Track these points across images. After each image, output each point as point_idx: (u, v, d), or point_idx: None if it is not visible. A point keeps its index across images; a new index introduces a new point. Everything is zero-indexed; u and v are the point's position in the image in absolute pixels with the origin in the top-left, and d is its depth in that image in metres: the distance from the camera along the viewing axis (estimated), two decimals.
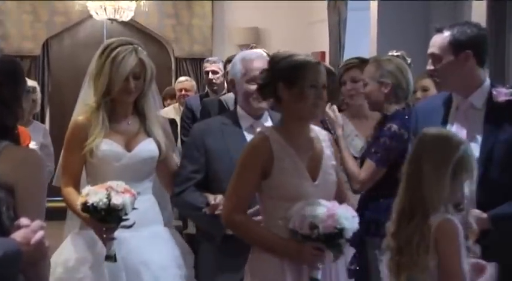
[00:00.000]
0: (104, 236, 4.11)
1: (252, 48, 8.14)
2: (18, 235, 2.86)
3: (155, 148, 4.49)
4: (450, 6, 10.04)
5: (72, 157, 4.46)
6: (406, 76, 5.25)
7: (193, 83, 10.74)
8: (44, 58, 14.02)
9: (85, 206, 4.06)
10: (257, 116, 4.54)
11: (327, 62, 10.91)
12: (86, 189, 4.15)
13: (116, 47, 4.46)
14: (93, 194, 4.05)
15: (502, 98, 4.32)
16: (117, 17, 13.42)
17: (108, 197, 4.00)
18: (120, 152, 4.42)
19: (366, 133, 5.62)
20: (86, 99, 4.55)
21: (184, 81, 10.56)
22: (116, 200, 4.00)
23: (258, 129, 4.27)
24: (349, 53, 9.87)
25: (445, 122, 4.35)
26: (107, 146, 4.38)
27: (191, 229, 7.43)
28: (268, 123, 4.50)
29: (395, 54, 5.84)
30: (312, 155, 4.06)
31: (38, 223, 2.93)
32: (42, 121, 12.21)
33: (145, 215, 4.36)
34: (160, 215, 4.61)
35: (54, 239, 4.63)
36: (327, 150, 4.13)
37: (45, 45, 14.10)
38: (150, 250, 4.37)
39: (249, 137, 4.36)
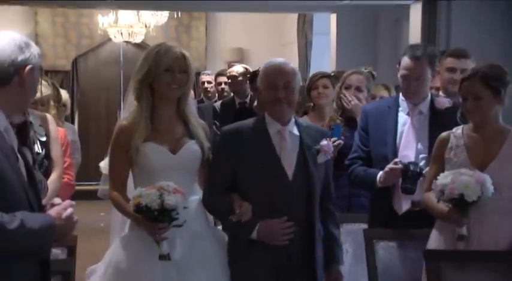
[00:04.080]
0: (157, 235, 3.47)
1: (238, 63, 8.18)
2: (52, 211, 2.89)
3: (199, 149, 3.76)
4: (392, 29, 10.08)
5: (118, 160, 3.74)
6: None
7: (192, 91, 10.37)
8: (74, 73, 13.96)
9: (138, 208, 3.42)
10: (284, 122, 3.75)
11: None
12: (138, 191, 3.51)
13: (158, 46, 3.77)
14: (146, 195, 3.42)
15: (443, 106, 4.35)
16: (131, 39, 13.52)
17: (161, 198, 3.39)
18: (164, 155, 3.70)
19: None
20: (130, 103, 3.90)
21: None
22: (169, 200, 3.40)
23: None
24: (314, 69, 9.84)
25: (396, 124, 4.39)
26: (151, 149, 3.67)
27: None
28: (295, 129, 3.78)
29: (366, 70, 5.83)
30: None
31: (68, 202, 2.95)
32: (72, 122, 12.17)
33: (196, 214, 3.71)
34: (205, 215, 3.87)
35: (82, 215, 4.63)
36: None
37: (74, 63, 14.05)
38: (198, 250, 3.68)
39: (276, 142, 3.72)
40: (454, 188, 3.56)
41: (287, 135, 3.71)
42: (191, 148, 3.74)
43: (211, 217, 4.00)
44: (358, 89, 5.06)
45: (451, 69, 4.90)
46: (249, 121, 3.92)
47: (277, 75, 3.71)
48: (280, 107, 3.69)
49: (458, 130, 3.91)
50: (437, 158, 3.94)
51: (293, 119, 3.80)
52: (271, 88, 3.70)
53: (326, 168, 3.80)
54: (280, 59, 3.92)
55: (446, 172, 3.70)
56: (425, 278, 3.82)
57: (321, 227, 3.76)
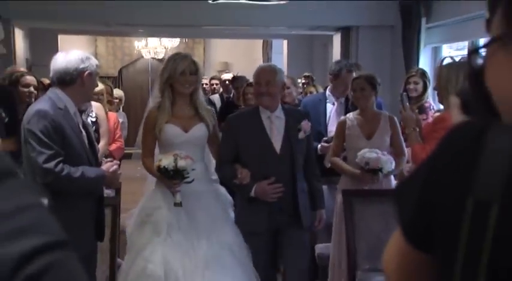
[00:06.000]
0: (172, 189, 3.25)
1: (226, 72, 8.14)
2: (104, 167, 2.91)
3: (205, 129, 3.43)
4: (322, 50, 10.07)
5: (148, 136, 3.44)
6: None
7: None
8: (119, 78, 13.79)
9: (159, 168, 3.21)
10: (272, 109, 3.39)
11: None
12: (159, 156, 3.31)
13: (175, 55, 3.48)
14: (165, 159, 3.21)
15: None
16: (155, 56, 13.41)
17: (175, 161, 3.17)
18: (179, 133, 3.38)
19: None
20: (155, 96, 3.55)
21: None
22: (181, 163, 3.17)
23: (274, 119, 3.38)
24: None
25: (325, 110, 4.45)
26: (170, 128, 3.37)
27: None
28: (282, 114, 3.41)
29: (307, 74, 5.77)
30: None
31: (115, 161, 2.96)
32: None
33: (202, 175, 3.38)
34: (210, 176, 3.54)
35: (125, 168, 4.61)
36: None
37: (120, 72, 13.86)
38: (204, 200, 3.37)
39: (266, 125, 3.36)
40: (377, 162, 3.64)
41: (274, 119, 3.38)
42: (200, 128, 3.43)
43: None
44: (287, 87, 5.00)
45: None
46: (248, 109, 3.68)
47: (259, 74, 3.41)
48: (262, 99, 3.36)
49: (350, 115, 3.98)
50: (339, 135, 3.97)
51: (280, 106, 3.43)
52: (256, 84, 3.41)
53: (307, 142, 3.45)
54: (266, 63, 3.68)
55: (365, 150, 3.74)
56: (336, 209, 3.87)
57: (304, 185, 3.42)
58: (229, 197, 3.55)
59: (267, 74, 3.39)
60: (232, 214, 3.50)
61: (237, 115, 3.58)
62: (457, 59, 3.41)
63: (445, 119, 3.03)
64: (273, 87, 3.35)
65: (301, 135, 3.39)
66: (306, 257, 3.49)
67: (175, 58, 3.40)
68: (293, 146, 3.36)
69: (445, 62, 3.29)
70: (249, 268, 3.27)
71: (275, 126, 3.38)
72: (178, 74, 3.33)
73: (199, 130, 3.43)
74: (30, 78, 4.50)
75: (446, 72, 3.06)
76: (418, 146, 3.24)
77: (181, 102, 3.43)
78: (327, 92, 4.65)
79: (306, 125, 3.40)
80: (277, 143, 3.36)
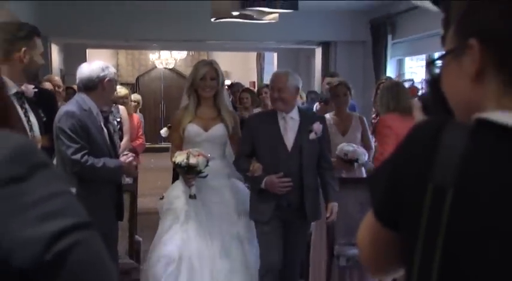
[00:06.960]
0: (187, 183, 3.05)
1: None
2: (121, 159, 2.88)
3: (224, 129, 3.17)
4: (306, 61, 10.07)
5: (175, 134, 3.23)
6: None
7: None
8: (136, 85, 13.68)
9: (174, 164, 3.04)
10: (286, 111, 3.09)
11: (255, 87, 10.86)
12: (176, 153, 3.07)
13: (199, 62, 3.27)
14: (179, 156, 3.01)
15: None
16: (167, 66, 13.39)
17: (187, 159, 2.98)
18: (199, 132, 3.15)
19: None
20: (184, 99, 3.25)
21: None
22: (192, 160, 2.97)
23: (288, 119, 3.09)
24: (265, 83, 9.79)
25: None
26: (191, 128, 3.15)
27: None
28: (296, 116, 3.11)
29: None
30: None
31: (130, 154, 2.94)
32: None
33: (218, 171, 3.13)
34: (228, 171, 3.22)
35: (141, 159, 4.58)
36: None
37: (137, 79, 13.79)
38: (220, 194, 3.15)
39: (281, 125, 3.09)
40: (354, 154, 3.67)
41: (288, 120, 3.09)
42: (218, 128, 3.17)
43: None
44: (265, 92, 4.82)
45: (328, 83, 4.80)
46: (268, 110, 3.46)
47: (273, 81, 3.14)
48: (275, 104, 3.10)
49: (327, 116, 3.92)
50: None
51: (296, 108, 3.14)
52: (270, 90, 3.15)
53: (320, 143, 3.12)
54: (281, 70, 3.47)
55: (344, 144, 3.73)
56: None
57: (313, 182, 3.12)
58: (246, 190, 3.26)
59: (278, 81, 3.12)
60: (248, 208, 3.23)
61: (257, 115, 3.49)
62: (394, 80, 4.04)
63: (382, 120, 3.48)
64: (284, 93, 3.07)
65: (312, 136, 3.09)
66: (303, 251, 3.27)
67: (198, 65, 3.21)
68: (303, 145, 3.08)
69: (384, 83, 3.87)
70: (252, 260, 3.11)
71: (289, 126, 3.10)
72: (199, 79, 3.13)
73: (217, 130, 3.18)
74: (47, 84, 4.79)
75: (380, 91, 3.70)
76: (376, 157, 3.53)
77: (206, 105, 3.20)
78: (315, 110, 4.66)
79: (317, 126, 3.10)
80: (289, 141, 3.08)
